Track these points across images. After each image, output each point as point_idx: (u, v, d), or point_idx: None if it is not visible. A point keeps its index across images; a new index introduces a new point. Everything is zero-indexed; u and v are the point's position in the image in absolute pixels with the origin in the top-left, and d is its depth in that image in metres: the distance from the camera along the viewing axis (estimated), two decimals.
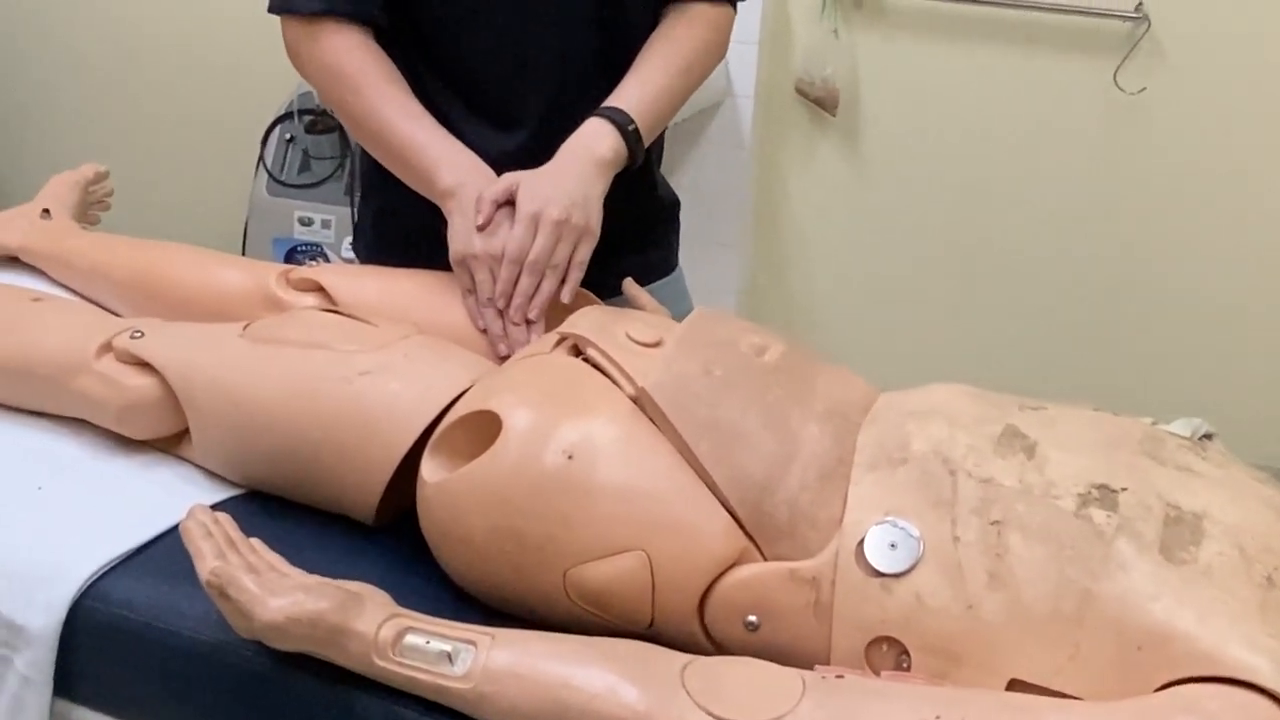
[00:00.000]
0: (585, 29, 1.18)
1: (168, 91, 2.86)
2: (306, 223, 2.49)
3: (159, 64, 2.84)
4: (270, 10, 1.17)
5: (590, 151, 1.10)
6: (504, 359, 1.03)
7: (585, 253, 1.08)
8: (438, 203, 1.12)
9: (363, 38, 1.15)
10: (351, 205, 2.44)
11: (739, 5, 1.29)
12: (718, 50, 1.25)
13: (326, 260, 2.48)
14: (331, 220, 2.47)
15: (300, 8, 1.14)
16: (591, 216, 1.08)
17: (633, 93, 1.15)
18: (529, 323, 1.05)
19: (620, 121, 1.12)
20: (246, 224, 2.55)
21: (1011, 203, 2.23)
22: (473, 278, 1.07)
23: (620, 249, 1.30)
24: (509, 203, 1.07)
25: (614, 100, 1.14)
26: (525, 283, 1.05)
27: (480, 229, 1.06)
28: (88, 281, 1.29)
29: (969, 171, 2.23)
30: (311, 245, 2.49)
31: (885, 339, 2.40)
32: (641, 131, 1.13)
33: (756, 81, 2.25)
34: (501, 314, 1.06)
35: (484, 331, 1.06)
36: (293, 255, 2.49)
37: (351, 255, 2.42)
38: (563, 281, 1.07)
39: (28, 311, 1.11)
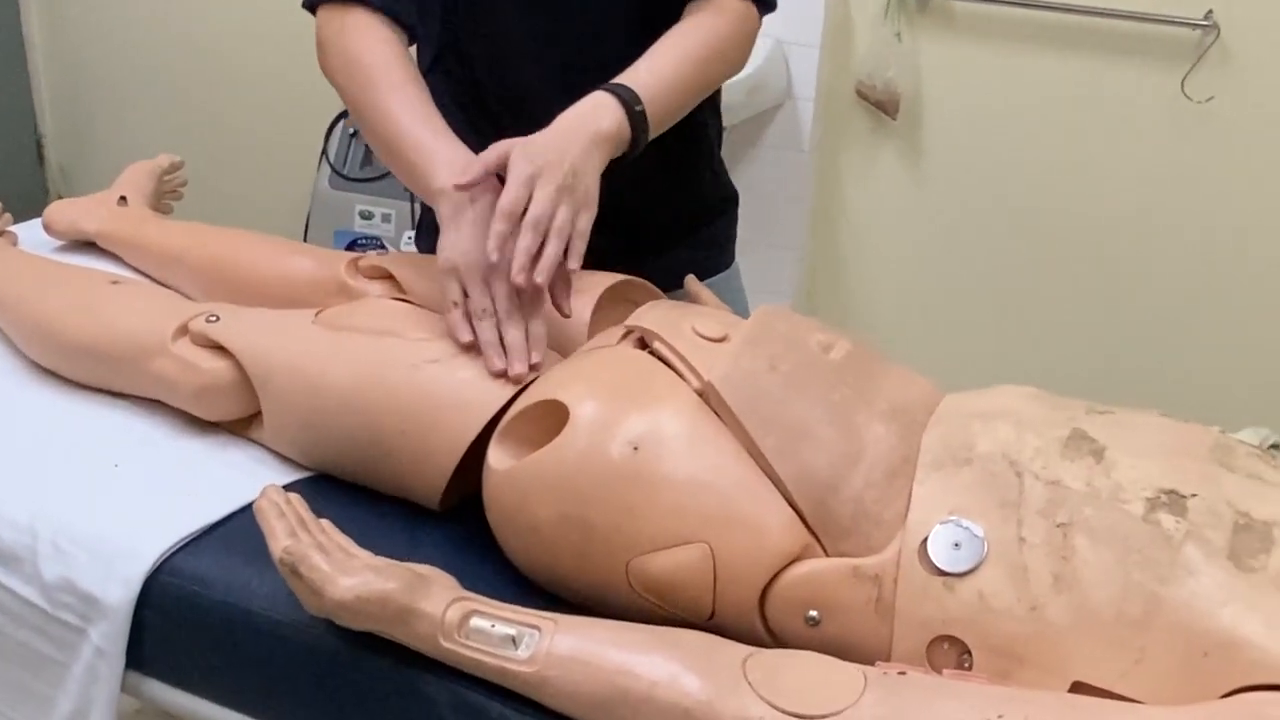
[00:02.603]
0: (626, 48, 1.13)
1: (233, 85, 2.91)
2: (367, 216, 2.53)
3: (225, 59, 2.89)
4: (305, 4, 1.15)
5: (591, 122, 1.02)
6: (500, 374, 0.95)
7: (586, 223, 0.99)
8: (430, 204, 1.04)
9: (389, 34, 1.12)
10: (412, 200, 2.46)
11: (775, 11, 1.21)
12: (739, 47, 1.17)
13: (386, 252, 2.51)
14: (391, 214, 2.50)
15: None
16: (590, 187, 0.99)
17: (643, 74, 1.07)
18: (535, 290, 0.96)
19: (627, 99, 1.04)
20: (309, 216, 2.59)
21: (1074, 210, 2.20)
22: (464, 289, 0.98)
23: (679, 241, 1.30)
24: (500, 179, 0.99)
25: (623, 78, 1.07)
26: (527, 239, 0.95)
27: (463, 188, 0.98)
28: (162, 267, 1.32)
29: (1031, 178, 2.21)
30: (372, 238, 2.52)
31: (942, 343, 2.38)
32: (650, 117, 1.05)
33: (817, 83, 2.24)
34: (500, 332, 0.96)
35: (471, 345, 0.96)
36: (353, 248, 2.53)
37: (411, 248, 2.46)
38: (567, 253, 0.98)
39: (106, 294, 1.14)
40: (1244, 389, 2.17)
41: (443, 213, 1.01)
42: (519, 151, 0.98)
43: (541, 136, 1.01)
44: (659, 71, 1.08)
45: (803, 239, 2.37)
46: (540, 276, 0.95)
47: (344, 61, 1.11)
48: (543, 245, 0.96)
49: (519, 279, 0.95)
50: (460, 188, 0.98)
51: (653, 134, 1.07)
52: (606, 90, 1.05)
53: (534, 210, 0.96)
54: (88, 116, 3.16)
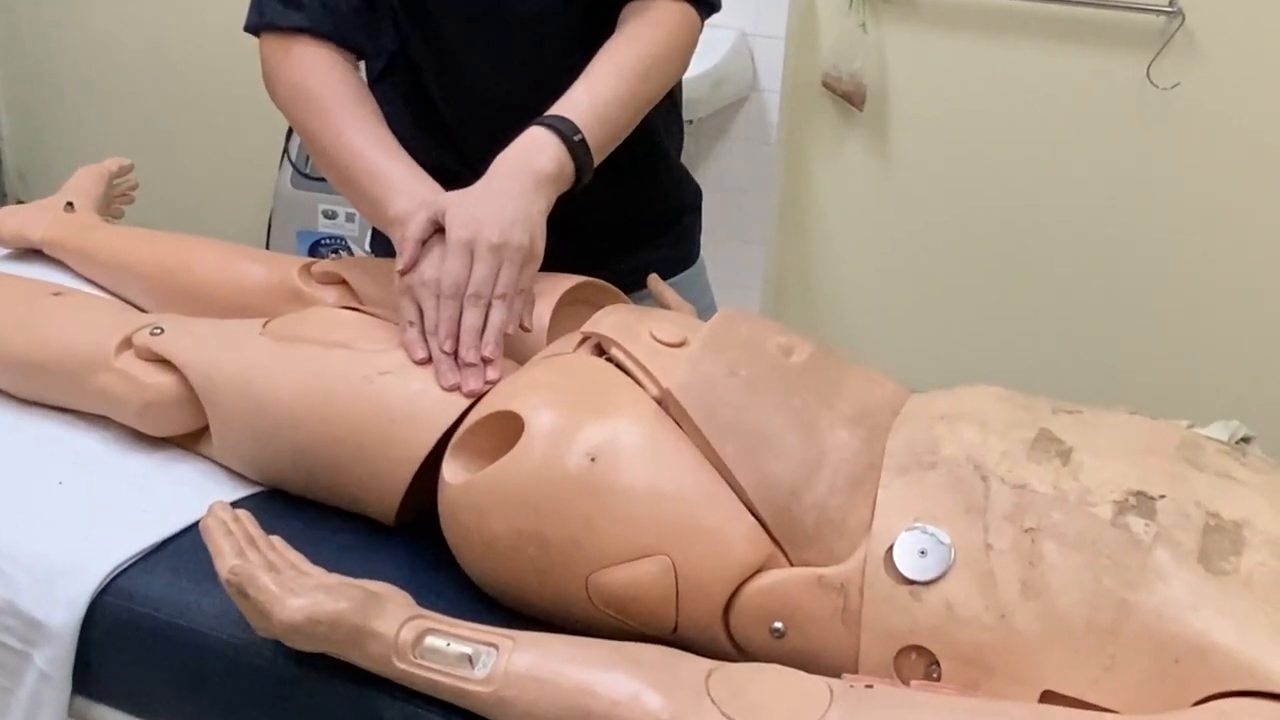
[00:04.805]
0: (568, 49, 1.11)
1: (194, 85, 2.86)
2: (330, 216, 2.49)
3: (184, 57, 2.85)
4: (247, 28, 1.12)
5: (529, 165, 0.99)
6: (453, 389, 0.93)
7: (529, 277, 0.98)
8: (386, 232, 1.02)
9: (338, 59, 1.09)
10: None
11: (717, 11, 1.18)
12: (679, 54, 1.13)
13: (350, 253, 2.48)
14: (355, 214, 2.47)
15: (278, 21, 1.09)
16: (534, 236, 0.97)
17: (580, 100, 1.04)
18: (485, 361, 0.93)
19: (564, 131, 1.01)
20: (270, 217, 2.55)
21: (1042, 199, 2.19)
22: (419, 308, 0.96)
23: (641, 242, 1.28)
24: (440, 230, 0.97)
25: (559, 108, 1.03)
26: (471, 317, 0.94)
27: (402, 273, 0.96)
28: (111, 275, 1.29)
29: (998, 168, 2.20)
30: (335, 238, 2.49)
31: (911, 336, 2.37)
32: (591, 143, 1.02)
33: (783, 75, 2.22)
34: (455, 352, 0.94)
35: (426, 362, 0.94)
36: (316, 248, 2.50)
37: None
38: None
39: (48, 306, 1.11)
40: (1214, 379, 2.17)
41: (397, 238, 0.98)
42: (453, 214, 0.96)
43: (477, 191, 0.98)
44: (596, 94, 1.05)
45: (770, 232, 2.36)
46: (488, 349, 0.94)
47: (293, 91, 1.09)
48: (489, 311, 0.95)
49: (469, 357, 0.93)
50: (403, 273, 0.96)
51: (598, 158, 1.04)
52: (542, 125, 1.02)
53: (473, 284, 0.94)
54: (45, 119, 3.11)
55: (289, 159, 2.50)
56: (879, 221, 2.32)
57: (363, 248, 2.46)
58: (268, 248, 2.49)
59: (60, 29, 2.97)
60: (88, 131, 3.05)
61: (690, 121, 1.37)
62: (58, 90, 3.06)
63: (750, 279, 2.35)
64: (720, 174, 2.28)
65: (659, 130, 1.24)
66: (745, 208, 2.30)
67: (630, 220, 1.07)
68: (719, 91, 2.14)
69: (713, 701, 0.71)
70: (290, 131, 2.49)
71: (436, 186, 1.02)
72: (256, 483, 1.00)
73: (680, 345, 0.89)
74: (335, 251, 2.47)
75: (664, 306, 1.13)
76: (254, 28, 1.12)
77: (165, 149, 2.87)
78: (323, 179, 2.45)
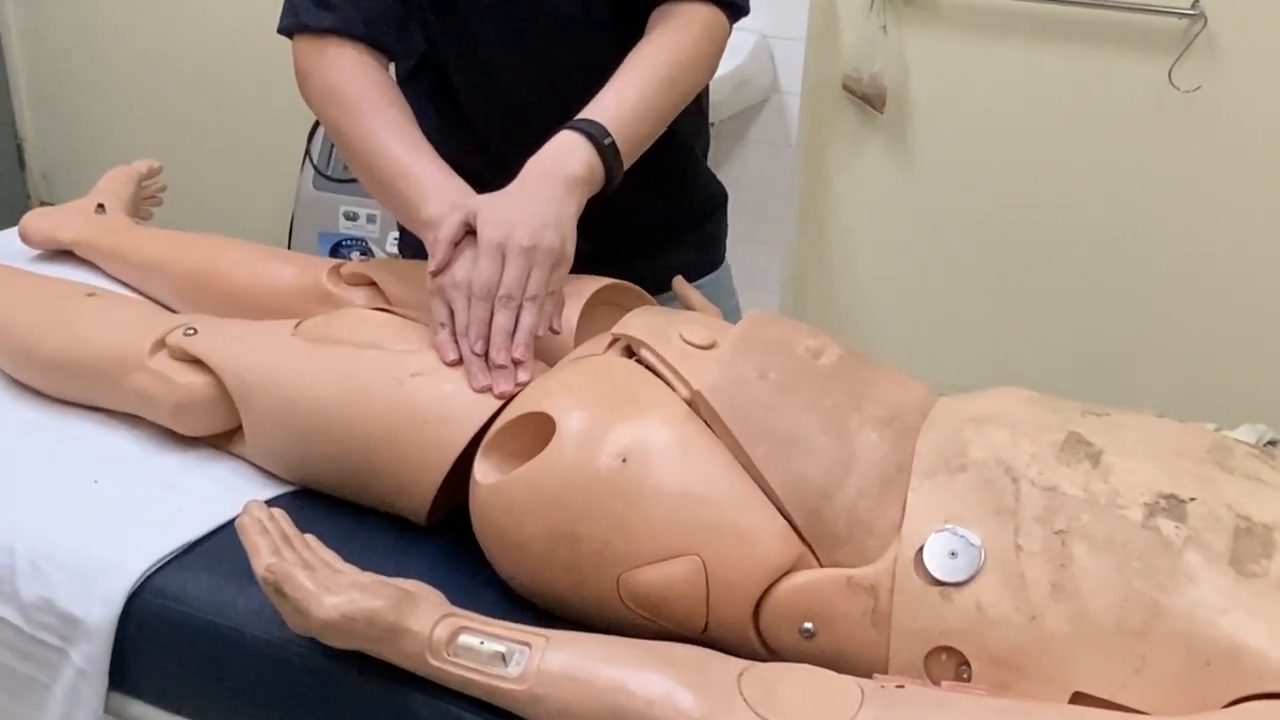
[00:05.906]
0: (598, 50, 1.12)
1: (216, 88, 2.88)
2: (352, 218, 2.51)
3: (206, 59, 2.86)
4: (281, 30, 1.13)
5: (560, 168, 1.00)
6: (484, 390, 0.93)
7: (560, 279, 0.99)
8: (418, 234, 1.03)
9: (370, 61, 1.10)
10: None
11: (746, 15, 1.18)
12: (707, 59, 1.13)
13: (370, 255, 2.49)
14: (376, 215, 2.48)
15: (311, 22, 1.10)
16: (565, 239, 0.98)
17: (609, 105, 1.05)
18: (516, 362, 0.94)
19: (594, 134, 1.02)
20: (293, 219, 2.56)
21: (1062, 202, 2.19)
22: (450, 309, 0.97)
23: (667, 244, 1.29)
24: (471, 232, 0.98)
25: (589, 112, 1.04)
26: (502, 318, 0.95)
27: (434, 275, 0.97)
28: (141, 276, 1.30)
29: (1018, 170, 2.20)
30: (357, 240, 2.50)
31: (931, 337, 2.37)
32: (621, 147, 1.03)
33: (803, 78, 2.23)
34: (486, 354, 0.95)
35: (457, 364, 0.95)
36: (338, 250, 2.51)
37: (394, 251, 2.44)
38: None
39: (82, 307, 1.12)
40: (1237, 382, 2.17)
41: (430, 240, 0.99)
42: (485, 217, 0.97)
43: (509, 194, 0.99)
44: (626, 98, 1.05)
45: (790, 234, 2.36)
46: (519, 350, 0.94)
47: (326, 93, 1.10)
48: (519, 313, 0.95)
49: (499, 358, 0.94)
50: (435, 274, 0.97)
51: (628, 162, 1.05)
52: (572, 128, 1.02)
53: (505, 285, 0.95)
54: (68, 121, 3.13)
55: (310, 161, 2.52)
56: (899, 223, 2.32)
57: (383, 249, 2.47)
58: (289, 249, 2.50)
59: (82, 31, 3.00)
60: (110, 134, 3.07)
61: (711, 124, 1.38)
62: (80, 92, 3.08)
63: (770, 280, 2.35)
64: (741, 176, 2.29)
65: (686, 133, 1.25)
66: (766, 209, 2.30)
67: (657, 222, 1.08)
68: (740, 94, 2.14)
69: (745, 701, 0.71)
70: (312, 133, 2.51)
71: (468, 189, 1.03)
72: (289, 482, 1.01)
73: (710, 347, 0.90)
74: (364, 254, 2.48)
75: (689, 308, 1.13)
76: (287, 30, 1.13)
77: (187, 151, 2.89)
78: (344, 181, 2.48)
